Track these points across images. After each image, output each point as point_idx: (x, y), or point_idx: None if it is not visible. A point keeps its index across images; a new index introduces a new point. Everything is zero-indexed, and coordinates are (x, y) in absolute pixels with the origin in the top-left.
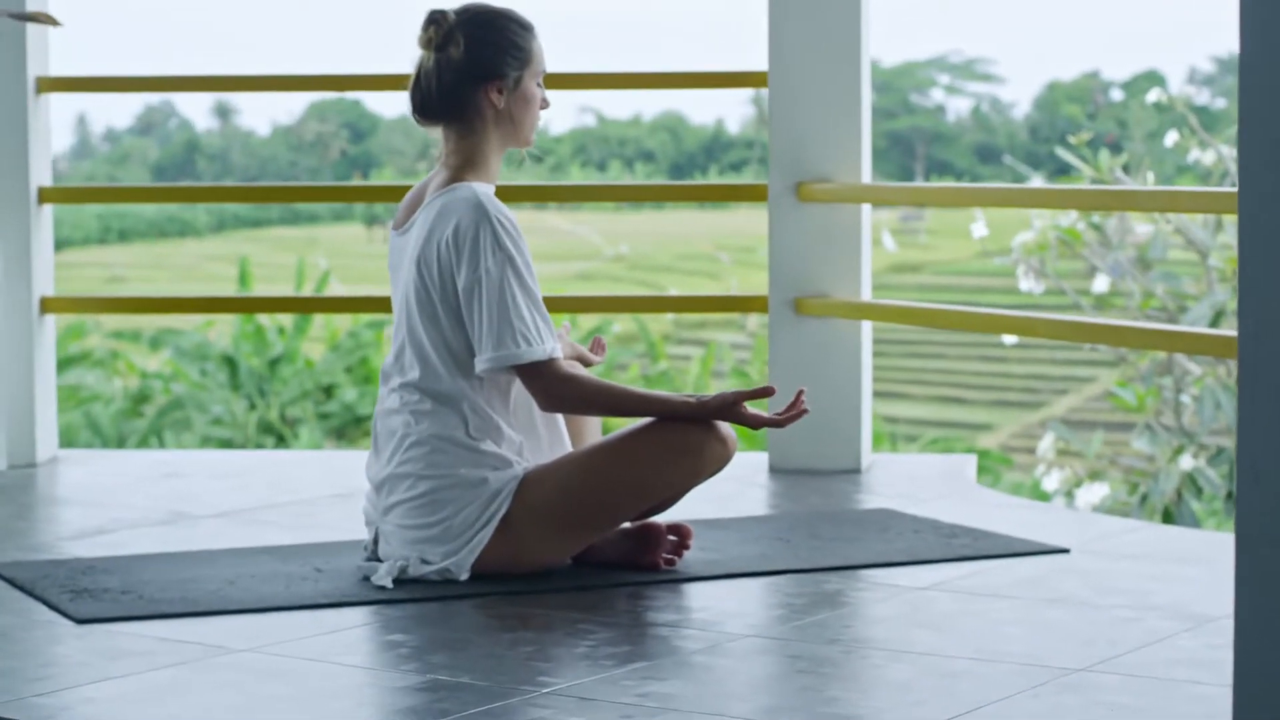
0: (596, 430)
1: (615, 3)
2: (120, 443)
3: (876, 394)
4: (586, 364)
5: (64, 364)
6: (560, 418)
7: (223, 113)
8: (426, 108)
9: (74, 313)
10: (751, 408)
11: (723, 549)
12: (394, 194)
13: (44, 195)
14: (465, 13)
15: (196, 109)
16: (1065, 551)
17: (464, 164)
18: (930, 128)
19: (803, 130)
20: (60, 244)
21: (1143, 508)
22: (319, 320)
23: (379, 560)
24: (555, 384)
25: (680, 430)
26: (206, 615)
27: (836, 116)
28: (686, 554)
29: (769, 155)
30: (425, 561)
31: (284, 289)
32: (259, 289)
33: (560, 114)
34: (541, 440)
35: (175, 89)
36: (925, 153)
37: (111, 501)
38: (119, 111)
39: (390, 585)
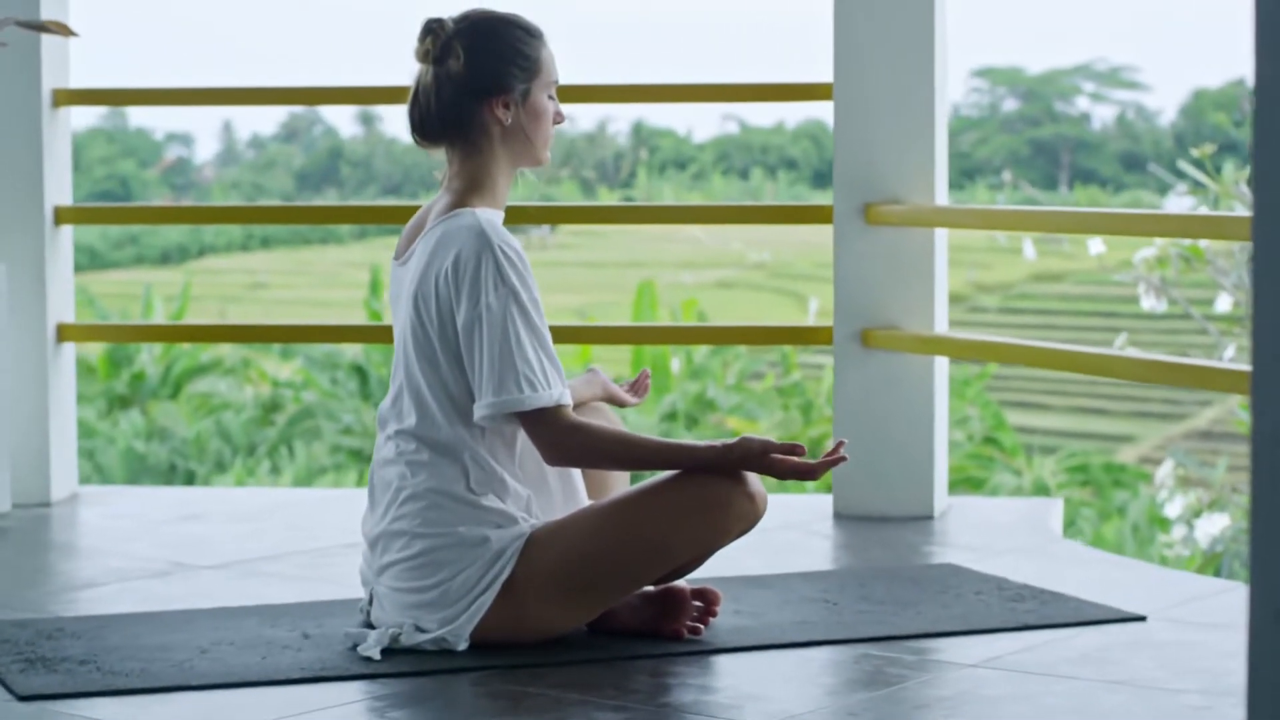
0: (620, 483)
1: (615, 4)
2: (251, 451)
3: (1014, 404)
4: (620, 405)
5: (196, 372)
6: (576, 469)
7: (366, 120)
8: (426, 127)
9: (94, 340)
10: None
11: (759, 613)
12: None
13: (60, 215)
14: (465, 21)
15: (341, 116)
16: (1141, 619)
17: (468, 187)
18: (1075, 136)
19: (871, 147)
20: (203, 250)
21: None
22: None
23: (373, 626)
24: (562, 434)
25: (704, 484)
26: (165, 692)
27: (908, 132)
28: (716, 619)
29: (833, 173)
30: (420, 629)
31: None
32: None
33: (703, 122)
34: (553, 495)
35: (195, 101)
36: (1070, 161)
37: (112, 549)
38: (264, 119)
39: (379, 657)
